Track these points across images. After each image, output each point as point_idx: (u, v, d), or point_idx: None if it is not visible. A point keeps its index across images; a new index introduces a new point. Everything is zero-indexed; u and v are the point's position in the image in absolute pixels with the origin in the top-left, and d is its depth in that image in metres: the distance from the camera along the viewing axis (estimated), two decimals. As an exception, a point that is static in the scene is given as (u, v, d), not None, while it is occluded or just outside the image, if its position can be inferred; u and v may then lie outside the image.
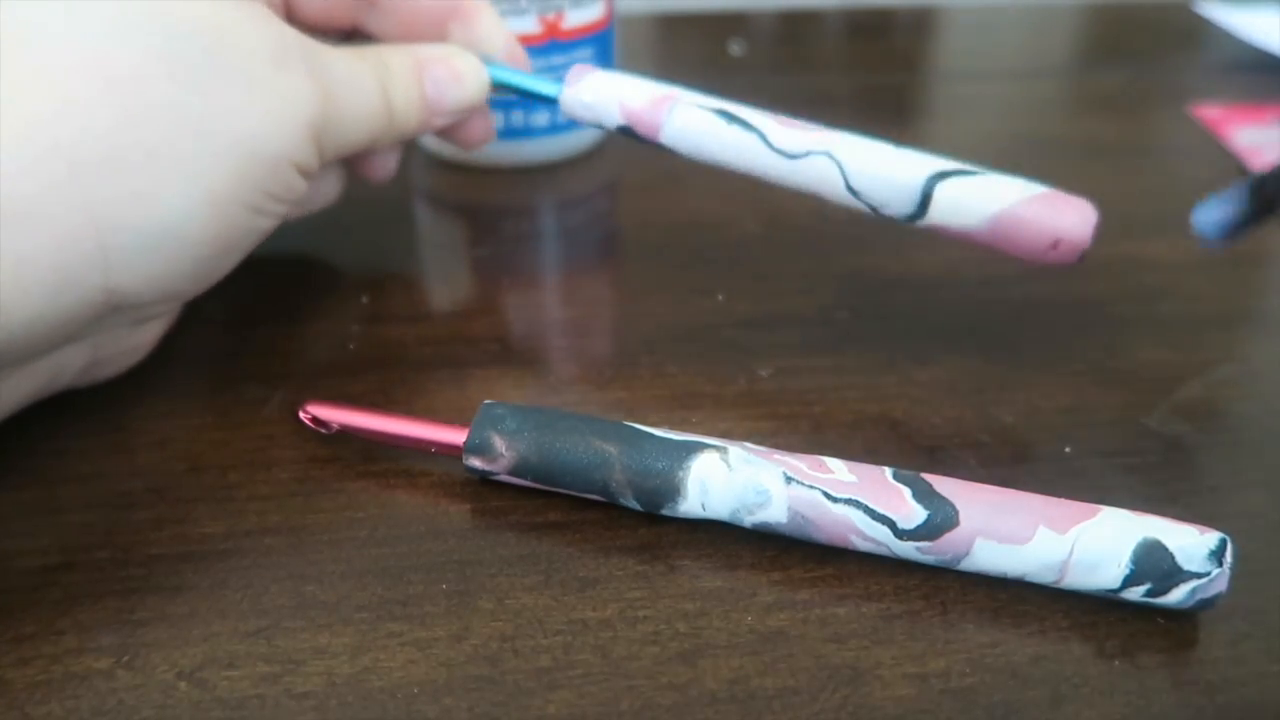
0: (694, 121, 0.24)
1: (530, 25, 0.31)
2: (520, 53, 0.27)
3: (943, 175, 0.22)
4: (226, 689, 0.17)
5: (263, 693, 0.16)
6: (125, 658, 0.17)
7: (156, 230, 0.19)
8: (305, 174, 0.22)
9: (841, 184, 0.23)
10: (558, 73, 0.32)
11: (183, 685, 0.17)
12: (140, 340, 0.23)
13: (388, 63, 0.24)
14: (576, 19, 0.32)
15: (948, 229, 0.23)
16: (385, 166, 0.28)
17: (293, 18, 0.25)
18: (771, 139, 0.23)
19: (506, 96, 0.27)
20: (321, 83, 0.22)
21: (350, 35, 0.27)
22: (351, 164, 0.28)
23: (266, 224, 0.22)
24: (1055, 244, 0.22)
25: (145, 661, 0.17)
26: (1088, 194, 0.22)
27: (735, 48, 0.46)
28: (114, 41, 0.19)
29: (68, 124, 0.18)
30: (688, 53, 0.48)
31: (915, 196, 0.22)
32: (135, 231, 0.19)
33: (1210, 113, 0.38)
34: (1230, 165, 0.35)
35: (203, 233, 0.20)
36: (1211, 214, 0.20)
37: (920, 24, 0.51)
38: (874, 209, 0.23)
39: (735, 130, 0.24)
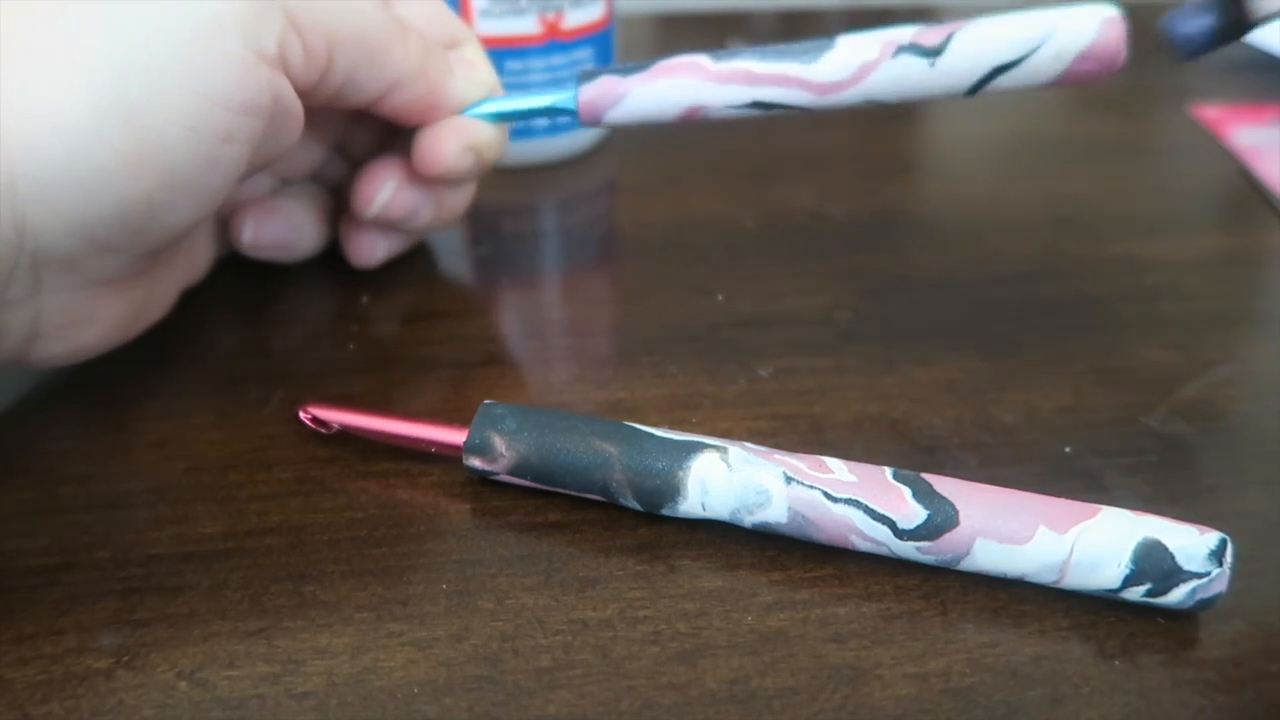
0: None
1: (530, 25, 0.31)
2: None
3: None
4: (226, 689, 0.17)
5: (263, 693, 0.16)
6: (125, 658, 0.17)
7: (63, 149, 0.18)
8: (288, 65, 0.19)
9: None
10: (556, 71, 0.32)
11: (183, 685, 0.17)
12: (89, 311, 0.21)
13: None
14: (576, 19, 0.32)
15: None
16: (451, 204, 0.25)
17: None
18: None
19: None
20: None
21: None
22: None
23: (213, 149, 0.19)
24: None
25: (145, 661, 0.17)
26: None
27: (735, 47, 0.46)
28: None
29: None
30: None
31: None
32: (42, 153, 0.17)
33: (1210, 113, 0.38)
34: (1230, 165, 0.35)
35: (117, 157, 0.18)
36: (1185, 24, 0.20)
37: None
38: None
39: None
